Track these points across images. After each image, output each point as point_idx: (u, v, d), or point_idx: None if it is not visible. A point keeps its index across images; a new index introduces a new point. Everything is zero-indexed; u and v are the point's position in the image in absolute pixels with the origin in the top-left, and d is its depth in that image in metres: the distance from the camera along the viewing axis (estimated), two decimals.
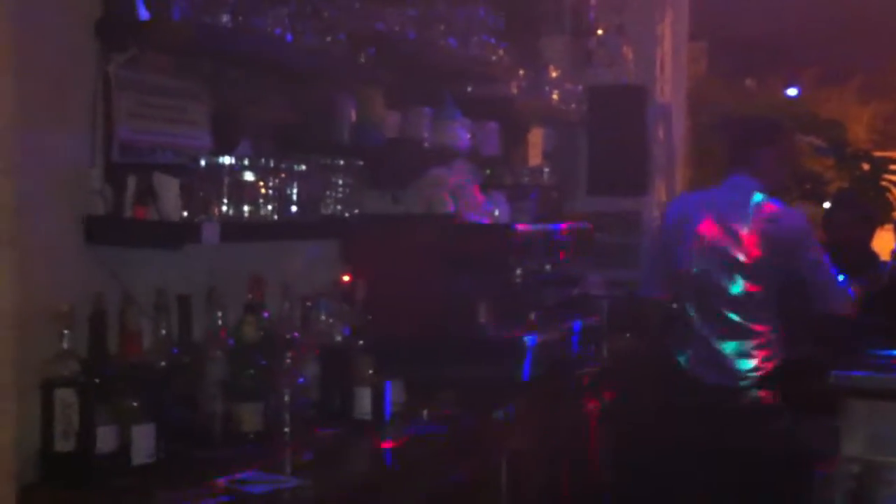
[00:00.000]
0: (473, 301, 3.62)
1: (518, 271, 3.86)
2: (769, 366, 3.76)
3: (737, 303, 3.75)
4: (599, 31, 5.16)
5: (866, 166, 6.92)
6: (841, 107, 9.33)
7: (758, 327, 3.76)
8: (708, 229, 3.78)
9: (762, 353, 3.76)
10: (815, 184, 6.84)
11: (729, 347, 3.78)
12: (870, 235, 5.06)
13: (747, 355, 3.76)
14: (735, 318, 3.76)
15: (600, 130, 5.19)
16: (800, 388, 4.33)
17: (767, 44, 9.42)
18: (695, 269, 3.80)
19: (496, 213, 3.90)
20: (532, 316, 3.90)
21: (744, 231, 3.72)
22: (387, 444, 2.88)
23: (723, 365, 3.77)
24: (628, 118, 5.20)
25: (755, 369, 3.75)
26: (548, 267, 4.10)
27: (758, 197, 3.76)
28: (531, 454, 3.45)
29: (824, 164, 7.31)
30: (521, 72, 4.45)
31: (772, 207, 3.75)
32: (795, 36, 9.39)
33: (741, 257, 3.72)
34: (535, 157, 5.10)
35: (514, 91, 4.43)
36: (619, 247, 4.68)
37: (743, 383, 3.75)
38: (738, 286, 3.74)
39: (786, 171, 3.98)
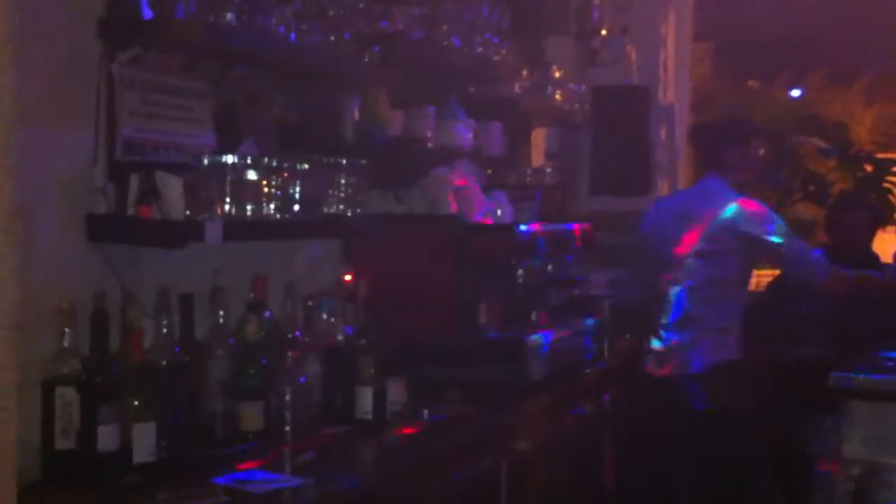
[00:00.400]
0: (476, 301, 3.61)
1: (520, 271, 3.86)
2: (711, 360, 3.79)
3: (685, 295, 3.82)
4: (603, 32, 5.16)
5: (869, 168, 6.92)
6: (845, 108, 9.31)
7: (704, 320, 3.81)
8: (672, 229, 3.88)
9: (704, 346, 3.80)
10: (819, 185, 6.83)
11: (675, 339, 3.84)
12: (872, 237, 5.07)
13: (689, 347, 3.81)
14: (682, 309, 3.83)
15: (603, 130, 5.19)
16: (802, 389, 4.35)
17: (773, 45, 9.40)
18: (653, 265, 3.92)
19: (499, 213, 3.90)
20: (534, 316, 3.90)
21: (697, 226, 3.80)
22: (388, 445, 2.89)
23: (668, 358, 3.85)
24: (631, 118, 5.20)
25: (694, 361, 3.79)
26: (550, 267, 4.10)
27: (719, 193, 3.85)
28: (532, 455, 3.45)
29: (827, 165, 7.30)
30: (525, 72, 4.45)
31: (730, 200, 3.82)
32: (802, 37, 9.37)
33: (694, 249, 3.80)
34: (538, 157, 5.10)
35: (518, 91, 4.43)
36: (622, 247, 4.67)
37: (679, 373, 3.79)
38: (689, 278, 3.82)
39: (754, 169, 4.06)
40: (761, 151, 4.15)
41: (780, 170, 6.55)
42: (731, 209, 3.80)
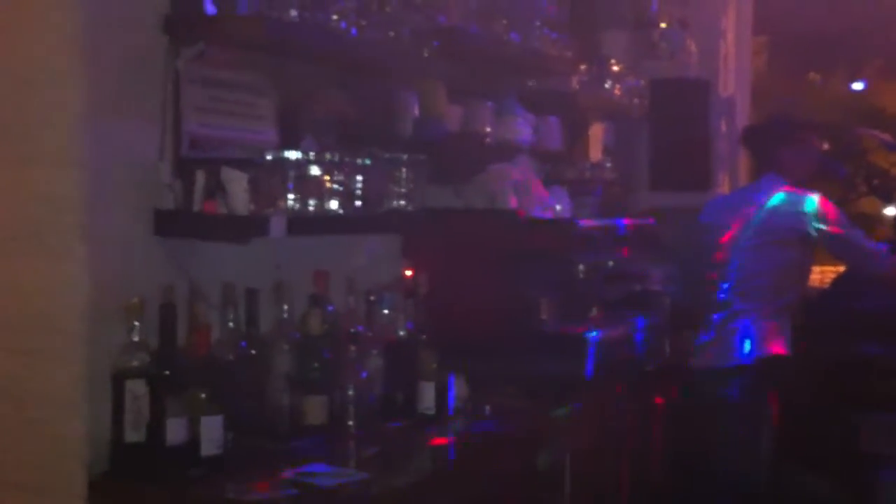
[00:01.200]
0: (536, 296, 3.59)
1: (581, 267, 3.84)
2: (753, 354, 3.73)
3: (731, 288, 3.81)
4: (662, 24, 5.08)
5: None
6: None
7: (749, 313, 3.76)
8: (724, 223, 3.88)
9: (746, 340, 3.75)
10: (883, 179, 6.70)
11: (718, 332, 3.82)
12: None
13: (731, 341, 3.77)
14: (727, 302, 3.81)
15: (662, 125, 5.13)
16: (864, 386, 4.28)
17: (830, 37, 9.23)
18: (706, 260, 3.92)
19: (558, 207, 3.88)
20: (594, 311, 3.87)
21: (746, 219, 3.80)
22: (451, 439, 2.88)
23: (710, 351, 3.84)
24: (691, 112, 5.13)
25: (735, 355, 3.75)
26: (610, 262, 4.06)
27: (775, 187, 3.83)
28: (594, 450, 3.42)
29: (889, 160, 7.14)
30: (583, 66, 4.41)
31: (784, 194, 3.80)
32: (860, 29, 9.18)
33: (742, 242, 3.80)
34: (595, 152, 5.05)
35: (576, 85, 4.39)
36: (682, 243, 4.62)
37: (725, 365, 3.76)
38: (736, 271, 3.80)
39: (809, 167, 4.02)
40: (824, 146, 4.11)
41: (844, 164, 6.43)
42: (782, 201, 3.79)
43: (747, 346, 3.76)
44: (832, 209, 3.83)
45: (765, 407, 3.73)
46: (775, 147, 3.93)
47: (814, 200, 3.78)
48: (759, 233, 3.80)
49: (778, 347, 3.78)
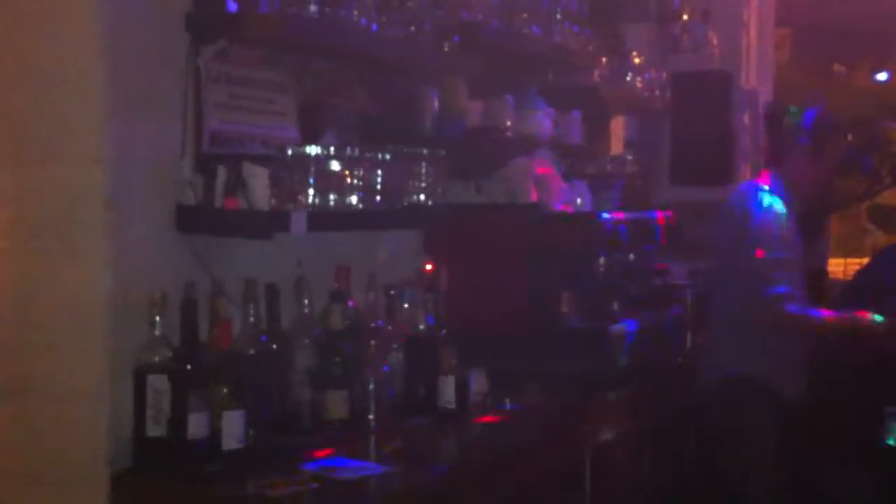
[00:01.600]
0: (557, 291, 3.59)
1: (602, 261, 3.83)
2: (720, 374, 3.62)
3: (711, 300, 3.76)
4: (685, 17, 5.05)
5: None
6: None
7: (724, 329, 3.65)
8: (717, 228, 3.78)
9: (716, 356, 3.68)
10: None
11: (711, 339, 3.77)
12: None
13: (723, 348, 3.66)
14: (709, 314, 3.76)
15: (684, 118, 5.10)
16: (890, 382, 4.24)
17: (854, 28, 9.14)
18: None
19: (579, 202, 3.87)
20: (615, 306, 3.86)
21: (719, 225, 3.67)
22: (471, 434, 2.88)
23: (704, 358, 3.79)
24: (713, 105, 5.11)
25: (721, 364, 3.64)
26: (632, 257, 4.05)
27: (753, 192, 3.56)
28: (616, 446, 3.42)
29: None
30: (604, 59, 4.40)
31: (740, 190, 3.71)
32: (883, 20, 9.09)
33: (716, 248, 3.73)
34: (617, 146, 5.04)
35: (597, 79, 4.38)
36: (704, 237, 4.61)
37: (709, 378, 3.67)
38: (715, 283, 3.74)
39: (821, 174, 3.61)
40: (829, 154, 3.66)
41: (870, 156, 6.37)
42: (726, 212, 3.62)
43: (720, 362, 3.64)
44: (771, 221, 3.41)
45: (761, 413, 3.62)
46: (793, 141, 3.55)
47: (759, 205, 3.43)
48: (715, 240, 3.69)
49: (748, 365, 3.52)
